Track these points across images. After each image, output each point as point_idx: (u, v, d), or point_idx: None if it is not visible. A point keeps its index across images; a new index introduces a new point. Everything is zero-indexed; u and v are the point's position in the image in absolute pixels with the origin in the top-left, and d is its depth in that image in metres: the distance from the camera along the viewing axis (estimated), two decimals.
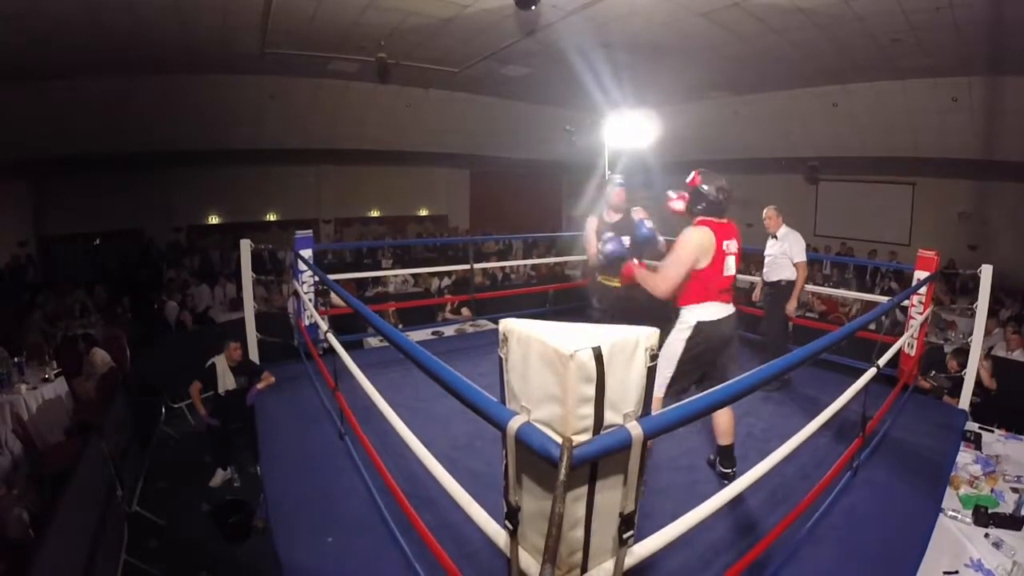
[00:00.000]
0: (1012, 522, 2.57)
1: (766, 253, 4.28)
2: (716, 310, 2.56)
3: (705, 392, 1.30)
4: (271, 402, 3.79)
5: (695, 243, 2.48)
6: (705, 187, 2.59)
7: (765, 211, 4.33)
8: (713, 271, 2.51)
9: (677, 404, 1.23)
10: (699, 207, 2.60)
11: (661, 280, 2.50)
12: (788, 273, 4.11)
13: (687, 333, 2.56)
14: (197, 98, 9.46)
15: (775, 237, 4.21)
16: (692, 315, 2.56)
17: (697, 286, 2.53)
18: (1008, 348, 5.48)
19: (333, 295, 4.24)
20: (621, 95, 7.91)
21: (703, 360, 2.61)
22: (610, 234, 3.42)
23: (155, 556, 3.53)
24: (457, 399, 1.32)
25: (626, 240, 3.53)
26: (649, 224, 3.55)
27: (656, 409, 1.33)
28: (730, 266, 2.58)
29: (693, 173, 2.66)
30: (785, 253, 4.10)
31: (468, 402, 1.28)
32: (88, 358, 5.26)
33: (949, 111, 8.65)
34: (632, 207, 3.80)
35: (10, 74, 7.68)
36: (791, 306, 4.11)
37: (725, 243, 2.55)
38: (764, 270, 4.33)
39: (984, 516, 2.59)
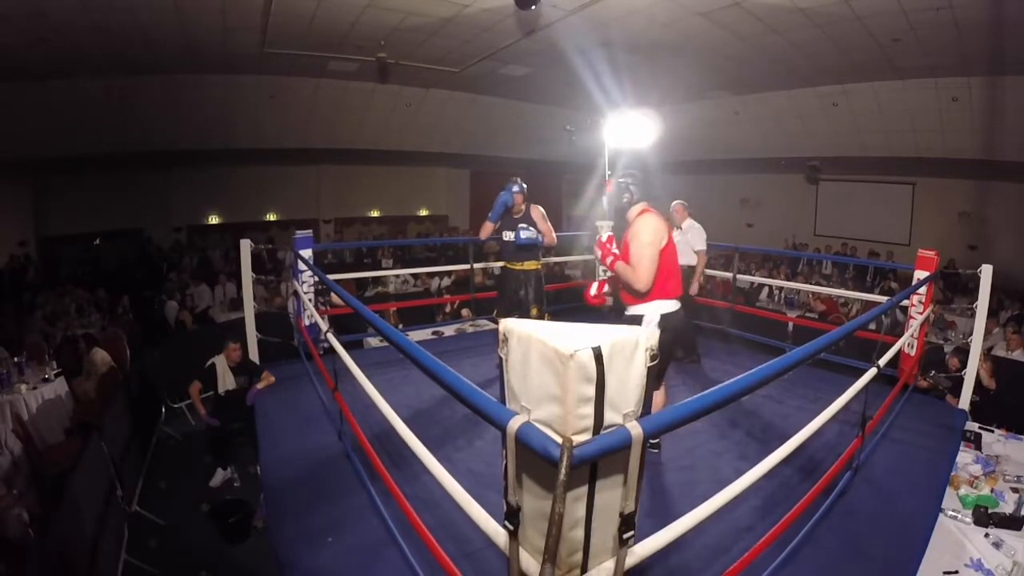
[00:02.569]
0: (1012, 522, 2.57)
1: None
2: (673, 304, 2.66)
3: (704, 392, 1.30)
4: (271, 402, 3.80)
5: (650, 227, 2.55)
6: (622, 180, 2.72)
7: (674, 204, 4.76)
8: (670, 252, 2.62)
9: (677, 404, 1.23)
10: (626, 199, 2.71)
11: (640, 272, 2.52)
12: (690, 259, 4.58)
13: (656, 328, 2.59)
14: (197, 98, 9.46)
15: (679, 228, 4.67)
16: (654, 309, 2.62)
17: (662, 278, 2.58)
18: (1008, 348, 5.48)
19: (333, 295, 4.25)
20: (621, 95, 7.91)
21: (668, 349, 2.63)
22: (524, 226, 4.03)
23: (155, 556, 3.53)
24: (457, 399, 1.32)
25: (533, 233, 4.06)
26: (526, 234, 4.04)
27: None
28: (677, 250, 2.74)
29: (605, 183, 2.78)
30: (688, 243, 4.57)
31: (468, 402, 1.28)
32: (89, 357, 5.26)
33: (949, 111, 8.66)
34: (531, 204, 4.19)
35: (10, 74, 7.69)
36: (693, 287, 4.61)
37: (672, 231, 2.72)
38: None
39: (984, 516, 2.59)
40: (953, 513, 2.63)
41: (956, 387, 3.95)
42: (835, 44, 7.34)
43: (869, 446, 2.90)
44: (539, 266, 4.21)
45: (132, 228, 11.34)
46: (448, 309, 6.99)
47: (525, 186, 4.17)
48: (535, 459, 1.06)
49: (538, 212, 4.14)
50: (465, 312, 6.49)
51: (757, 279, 8.00)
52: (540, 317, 4.08)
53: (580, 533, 1.19)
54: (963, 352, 4.08)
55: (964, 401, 3.73)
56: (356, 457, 2.81)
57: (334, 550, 2.22)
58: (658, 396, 2.84)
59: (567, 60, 8.22)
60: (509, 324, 1.32)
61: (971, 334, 3.80)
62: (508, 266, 4.18)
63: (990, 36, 6.42)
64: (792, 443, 1.87)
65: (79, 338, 5.78)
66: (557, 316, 4.75)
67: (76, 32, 6.69)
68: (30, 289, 8.49)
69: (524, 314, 4.03)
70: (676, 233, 4.63)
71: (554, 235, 4.16)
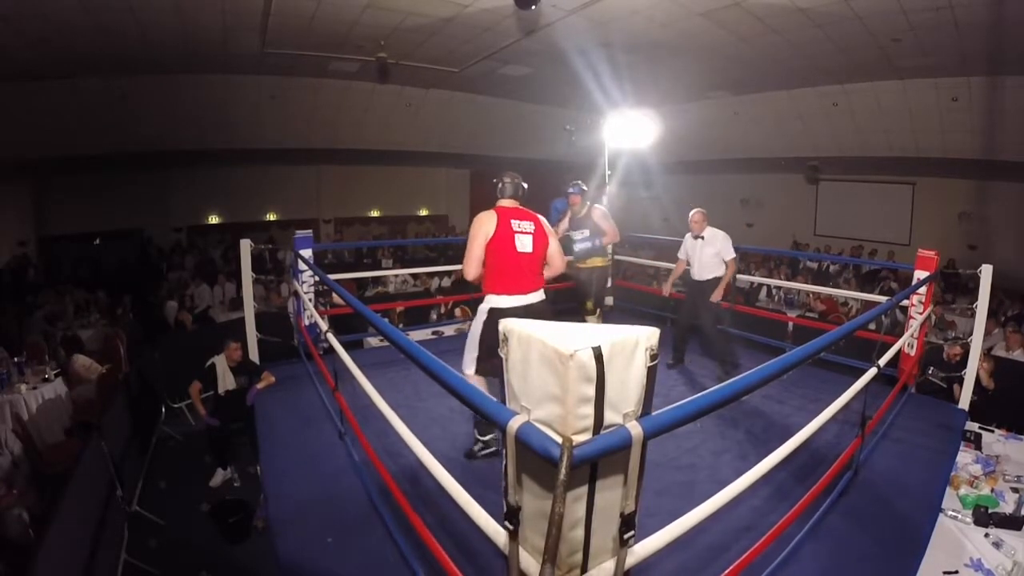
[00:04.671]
0: (1012, 522, 2.57)
1: (692, 252, 4.46)
2: (509, 300, 2.72)
3: (704, 392, 1.30)
4: (271, 402, 3.80)
5: (476, 224, 2.78)
6: (494, 180, 2.97)
7: (692, 213, 4.42)
8: (499, 245, 2.71)
9: (677, 404, 1.23)
10: (497, 196, 2.94)
11: (464, 263, 2.77)
12: (720, 271, 4.33)
13: (482, 318, 2.76)
14: (197, 98, 9.46)
15: (701, 238, 4.36)
16: (487, 303, 2.77)
17: (493, 273, 2.74)
18: (1008, 348, 5.48)
19: (333, 295, 4.27)
20: (621, 95, 7.92)
21: (491, 342, 2.73)
22: (581, 236, 4.42)
23: (155, 556, 3.53)
24: (457, 399, 1.33)
25: (588, 244, 4.42)
26: (581, 245, 4.43)
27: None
28: (524, 243, 2.76)
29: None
30: (718, 253, 4.29)
31: (468, 402, 1.28)
32: (70, 366, 5.16)
33: (949, 111, 8.66)
34: (593, 205, 4.45)
35: (10, 74, 7.69)
36: (717, 295, 4.31)
37: (514, 222, 2.77)
38: (694, 268, 4.44)
39: (984, 516, 2.59)
40: (953, 513, 2.63)
41: (951, 383, 3.95)
42: (835, 44, 7.34)
43: (869, 446, 2.90)
44: (603, 263, 4.43)
45: (132, 228, 11.34)
46: (443, 310, 6.97)
47: (585, 188, 4.37)
48: (535, 459, 1.06)
49: (598, 212, 4.38)
50: (459, 312, 6.48)
51: (757, 279, 8.01)
52: (592, 312, 4.32)
53: (580, 533, 1.19)
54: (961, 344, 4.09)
55: (964, 401, 3.73)
56: (356, 457, 2.81)
57: (334, 550, 2.22)
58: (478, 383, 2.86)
59: (567, 60, 8.22)
60: (509, 324, 1.32)
61: (971, 334, 3.79)
62: (575, 264, 4.40)
63: (990, 36, 6.42)
64: (792, 443, 1.87)
65: (59, 344, 5.73)
66: (557, 316, 4.75)
67: (76, 32, 6.69)
68: (30, 289, 8.49)
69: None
70: (698, 244, 4.37)
71: (616, 233, 4.40)
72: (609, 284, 5.31)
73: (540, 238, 2.82)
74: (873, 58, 7.72)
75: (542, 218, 2.93)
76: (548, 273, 2.90)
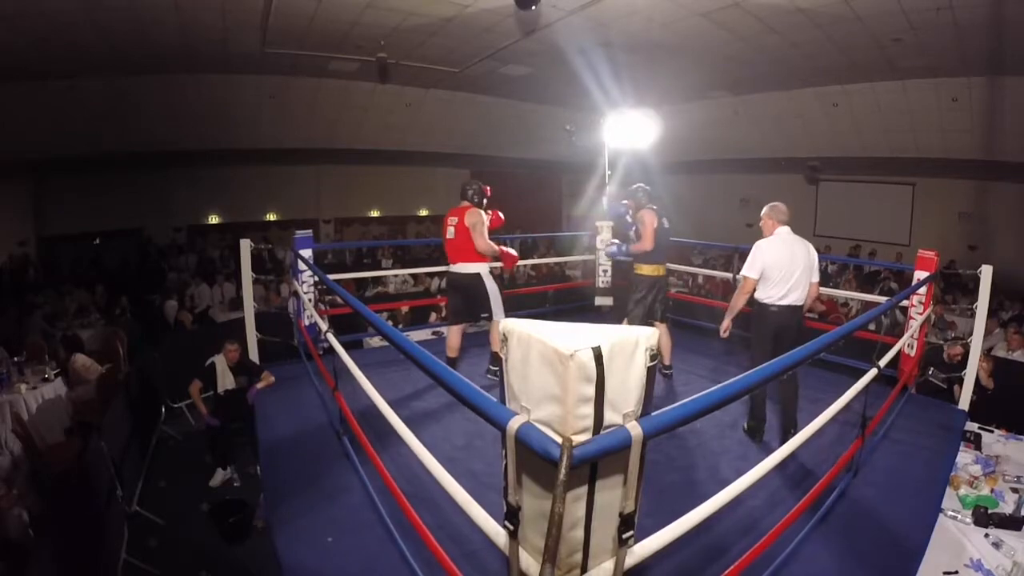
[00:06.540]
0: (1012, 522, 2.57)
1: None
2: (448, 268, 3.93)
3: (705, 392, 1.30)
4: (271, 402, 3.80)
5: None
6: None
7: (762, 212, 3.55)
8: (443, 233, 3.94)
9: (677, 404, 1.23)
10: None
11: None
12: (758, 291, 3.26)
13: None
14: (197, 98, 9.45)
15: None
16: None
17: None
18: (1008, 348, 5.48)
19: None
20: (621, 95, 7.92)
21: (451, 297, 4.02)
22: (613, 241, 4.65)
23: (155, 556, 3.53)
24: (457, 399, 1.32)
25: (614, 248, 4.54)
26: (610, 249, 4.64)
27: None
28: (449, 232, 3.87)
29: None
30: None
31: (468, 402, 1.28)
32: (70, 366, 5.15)
33: (949, 111, 8.66)
34: (643, 210, 4.26)
35: (10, 74, 7.68)
36: (723, 323, 3.38)
37: (449, 218, 3.87)
38: None
39: (984, 516, 2.59)
40: (953, 513, 2.63)
41: (953, 382, 3.95)
42: (835, 44, 7.34)
43: (869, 447, 2.90)
44: (654, 271, 4.08)
45: (132, 228, 11.32)
46: (443, 313, 6.95)
47: (643, 188, 4.30)
48: (535, 459, 1.06)
49: (639, 216, 4.11)
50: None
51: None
52: (635, 322, 4.17)
53: (580, 533, 1.19)
54: (961, 344, 4.08)
55: (964, 401, 3.73)
56: (356, 457, 2.81)
57: (334, 550, 2.22)
58: (454, 334, 4.05)
59: (567, 60, 8.22)
60: (509, 324, 1.32)
61: (971, 334, 3.79)
62: (639, 271, 4.25)
63: (990, 36, 6.42)
64: (792, 443, 1.87)
65: (60, 343, 5.72)
66: (557, 316, 4.75)
67: (76, 32, 6.69)
68: (30, 289, 8.48)
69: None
70: None
71: (647, 243, 3.94)
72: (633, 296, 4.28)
73: (459, 229, 3.80)
74: (873, 58, 7.72)
75: (476, 213, 3.77)
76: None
